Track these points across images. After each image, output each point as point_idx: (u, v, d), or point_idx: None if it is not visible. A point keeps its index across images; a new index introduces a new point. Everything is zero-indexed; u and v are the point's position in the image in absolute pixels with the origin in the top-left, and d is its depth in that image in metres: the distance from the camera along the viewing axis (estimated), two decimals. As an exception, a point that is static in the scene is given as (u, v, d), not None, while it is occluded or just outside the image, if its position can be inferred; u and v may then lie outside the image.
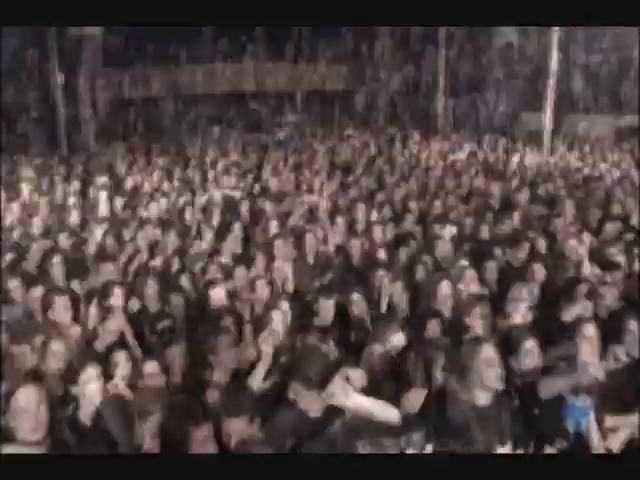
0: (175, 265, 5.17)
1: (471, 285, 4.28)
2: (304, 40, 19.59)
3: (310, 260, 5.31)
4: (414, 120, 18.59)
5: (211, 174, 9.04)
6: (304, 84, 21.33)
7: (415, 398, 2.76)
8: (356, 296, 4.10)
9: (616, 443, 2.72)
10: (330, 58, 21.81)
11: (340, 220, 6.05)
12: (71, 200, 7.34)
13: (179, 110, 20.43)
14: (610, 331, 3.38)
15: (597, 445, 2.78)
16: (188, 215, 6.74)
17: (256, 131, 17.63)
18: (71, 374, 3.13)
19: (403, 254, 4.85)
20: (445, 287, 4.06)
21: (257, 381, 3.15)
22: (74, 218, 6.67)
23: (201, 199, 7.47)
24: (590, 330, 3.24)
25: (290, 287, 4.85)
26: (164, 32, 16.36)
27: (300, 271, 5.06)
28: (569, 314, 3.79)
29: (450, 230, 5.73)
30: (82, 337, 3.85)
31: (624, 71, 15.07)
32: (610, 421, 2.78)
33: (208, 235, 5.70)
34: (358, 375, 2.94)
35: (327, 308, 4.01)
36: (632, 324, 3.31)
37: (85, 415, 2.95)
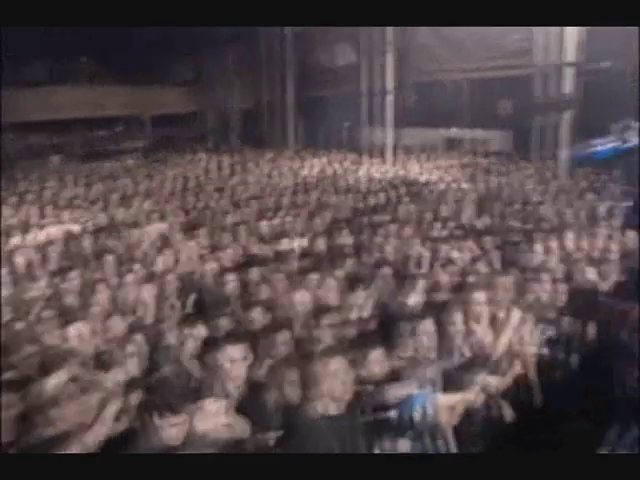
0: (7, 314, 4.66)
1: (329, 295, 4.38)
2: (149, 61, 18.99)
3: (165, 289, 5.12)
4: (266, 139, 18.94)
5: (49, 209, 8.33)
6: (151, 107, 20.63)
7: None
8: (224, 321, 3.99)
9: (454, 418, 2.99)
10: (177, 79, 21.45)
11: (190, 245, 5.94)
12: None
13: (11, 139, 18.57)
14: (442, 324, 3.70)
15: (443, 424, 3.03)
16: (21, 257, 6.10)
17: (101, 159, 16.65)
18: None
19: (253, 274, 4.88)
20: (296, 299, 4.12)
21: (105, 428, 2.93)
22: None
23: (37, 237, 6.84)
24: (427, 327, 3.44)
25: (147, 318, 4.63)
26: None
27: (157, 301, 4.86)
28: (408, 301, 4.10)
29: (298, 244, 5.92)
30: None
31: (452, 89, 16.90)
32: (447, 400, 3.04)
33: (44, 277, 5.22)
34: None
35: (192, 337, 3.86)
36: (456, 316, 3.66)
37: None
